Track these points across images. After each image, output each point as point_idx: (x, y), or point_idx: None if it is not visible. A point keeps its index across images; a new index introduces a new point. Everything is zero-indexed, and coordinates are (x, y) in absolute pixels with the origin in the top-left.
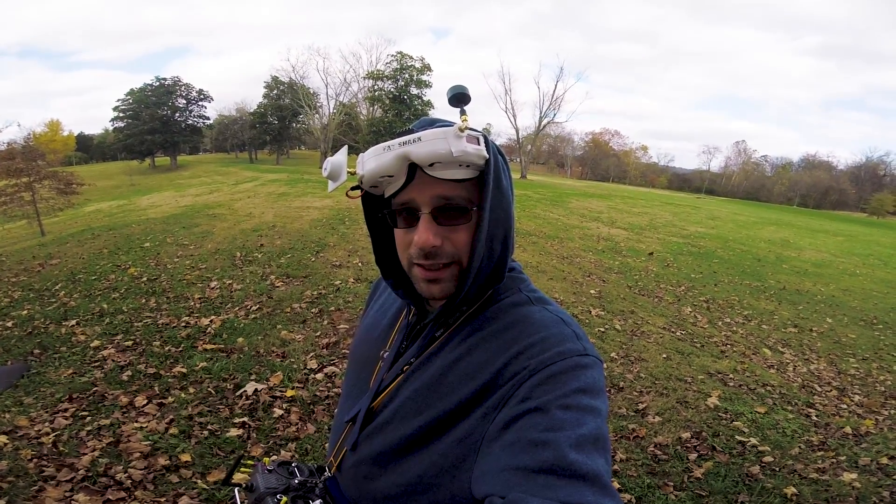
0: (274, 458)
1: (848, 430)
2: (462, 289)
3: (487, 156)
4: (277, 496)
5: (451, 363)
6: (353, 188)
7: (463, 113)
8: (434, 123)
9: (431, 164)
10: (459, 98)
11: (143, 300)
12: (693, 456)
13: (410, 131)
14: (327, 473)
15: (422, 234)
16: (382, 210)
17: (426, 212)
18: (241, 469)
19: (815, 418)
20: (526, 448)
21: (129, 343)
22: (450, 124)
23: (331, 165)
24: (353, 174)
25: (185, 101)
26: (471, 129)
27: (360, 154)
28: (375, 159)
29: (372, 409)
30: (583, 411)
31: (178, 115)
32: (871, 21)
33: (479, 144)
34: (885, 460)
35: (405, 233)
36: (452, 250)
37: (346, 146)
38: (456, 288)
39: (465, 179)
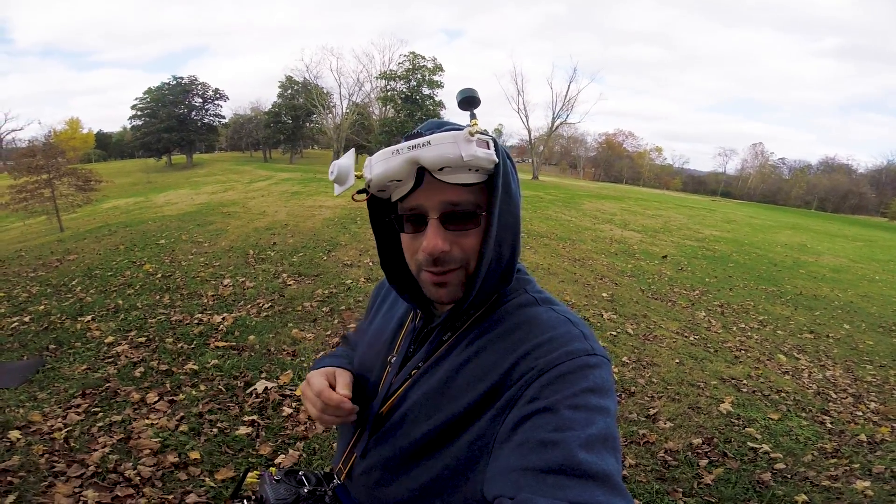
0: (281, 466)
1: (863, 437)
2: (470, 294)
3: (497, 160)
4: None
5: (459, 366)
6: (359, 192)
7: (473, 116)
8: (442, 126)
9: (441, 169)
10: (469, 101)
11: (158, 297)
12: (704, 462)
13: (419, 134)
14: (336, 481)
15: (430, 239)
16: (389, 214)
17: (434, 217)
18: (249, 479)
19: (829, 425)
20: (535, 448)
21: (143, 339)
22: (458, 127)
23: (337, 169)
24: (360, 177)
25: (201, 100)
26: (480, 132)
27: (368, 157)
28: (384, 163)
29: (381, 415)
30: (592, 411)
31: (194, 113)
32: (892, 22)
33: (488, 148)
34: None
35: (413, 238)
36: (461, 255)
37: (353, 149)
38: (464, 293)
39: (473, 183)
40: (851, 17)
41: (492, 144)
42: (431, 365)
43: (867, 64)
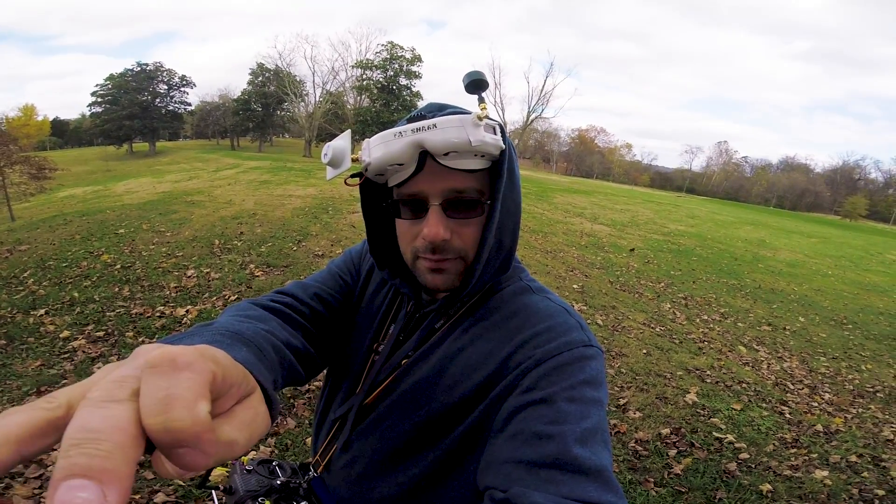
0: (252, 456)
1: (819, 427)
2: (468, 283)
3: (504, 146)
4: (260, 499)
5: (453, 354)
6: (352, 175)
7: (481, 100)
8: (444, 109)
9: (446, 154)
10: (477, 84)
11: (117, 289)
12: (672, 452)
13: (422, 116)
14: (312, 473)
15: (432, 227)
16: (384, 199)
17: (436, 203)
18: (219, 470)
19: (788, 416)
20: (529, 440)
21: (101, 333)
22: (462, 110)
23: (332, 151)
24: (356, 161)
25: (166, 87)
26: (488, 117)
27: (366, 140)
28: (384, 146)
29: (365, 406)
30: (587, 403)
31: (158, 100)
32: (861, 27)
33: (496, 134)
34: (854, 458)
35: (411, 224)
36: (460, 245)
37: (348, 131)
38: (461, 281)
39: (477, 170)
40: (823, 21)
41: (498, 130)
42: (423, 353)
43: (834, 67)
